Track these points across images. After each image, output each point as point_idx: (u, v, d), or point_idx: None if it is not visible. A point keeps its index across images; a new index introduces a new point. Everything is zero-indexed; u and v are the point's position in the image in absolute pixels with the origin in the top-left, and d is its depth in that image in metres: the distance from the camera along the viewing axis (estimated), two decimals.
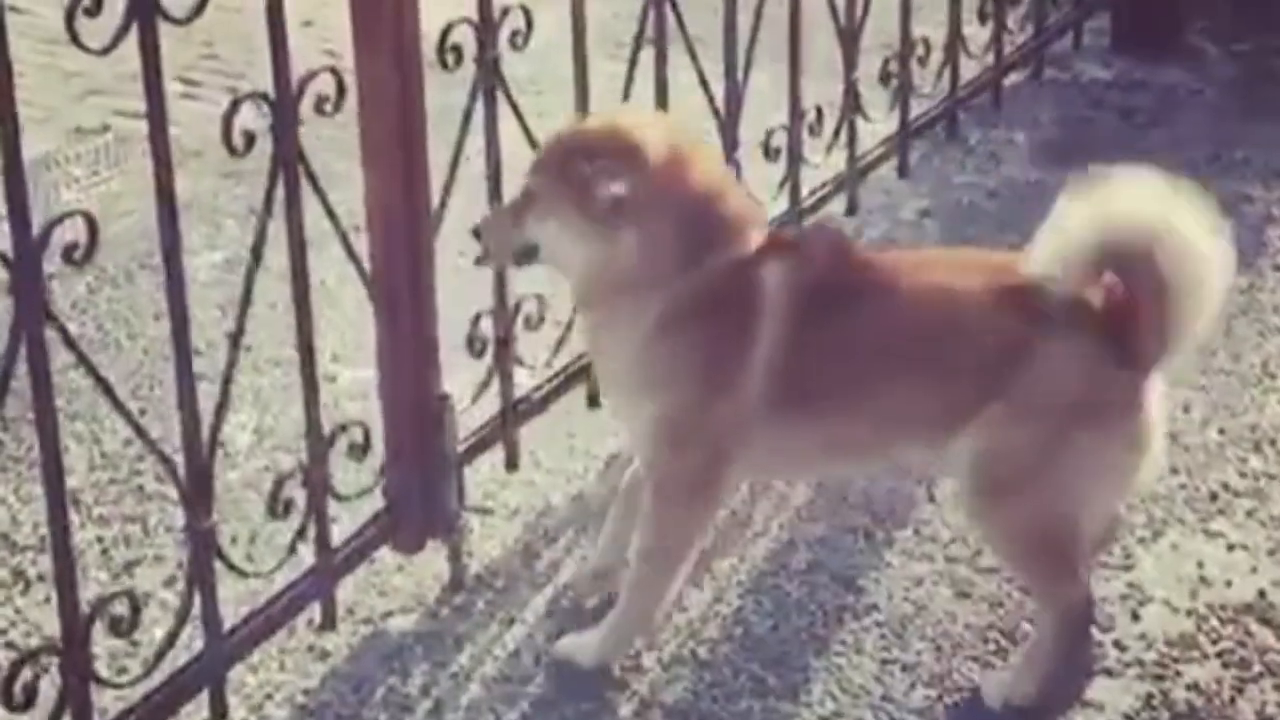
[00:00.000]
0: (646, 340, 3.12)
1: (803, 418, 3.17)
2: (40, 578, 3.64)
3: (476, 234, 3.32)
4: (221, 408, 3.13)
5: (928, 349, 3.11)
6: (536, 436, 3.97)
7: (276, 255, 3.18)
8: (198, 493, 3.09)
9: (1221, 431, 4.05)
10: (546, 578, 3.67)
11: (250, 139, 3.04)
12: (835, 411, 3.18)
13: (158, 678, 3.12)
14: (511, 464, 3.83)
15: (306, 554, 3.37)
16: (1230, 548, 3.68)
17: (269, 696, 3.39)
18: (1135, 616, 3.49)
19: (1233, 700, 3.29)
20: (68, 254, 2.77)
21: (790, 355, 3.09)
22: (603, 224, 3.08)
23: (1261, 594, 3.54)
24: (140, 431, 3.03)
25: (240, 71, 5.81)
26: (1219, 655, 3.39)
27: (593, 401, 3.99)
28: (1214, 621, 3.47)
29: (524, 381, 3.82)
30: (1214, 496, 3.83)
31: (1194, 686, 3.32)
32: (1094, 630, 3.43)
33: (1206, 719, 3.25)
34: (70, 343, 2.82)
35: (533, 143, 3.55)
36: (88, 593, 3.60)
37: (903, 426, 3.20)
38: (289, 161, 3.10)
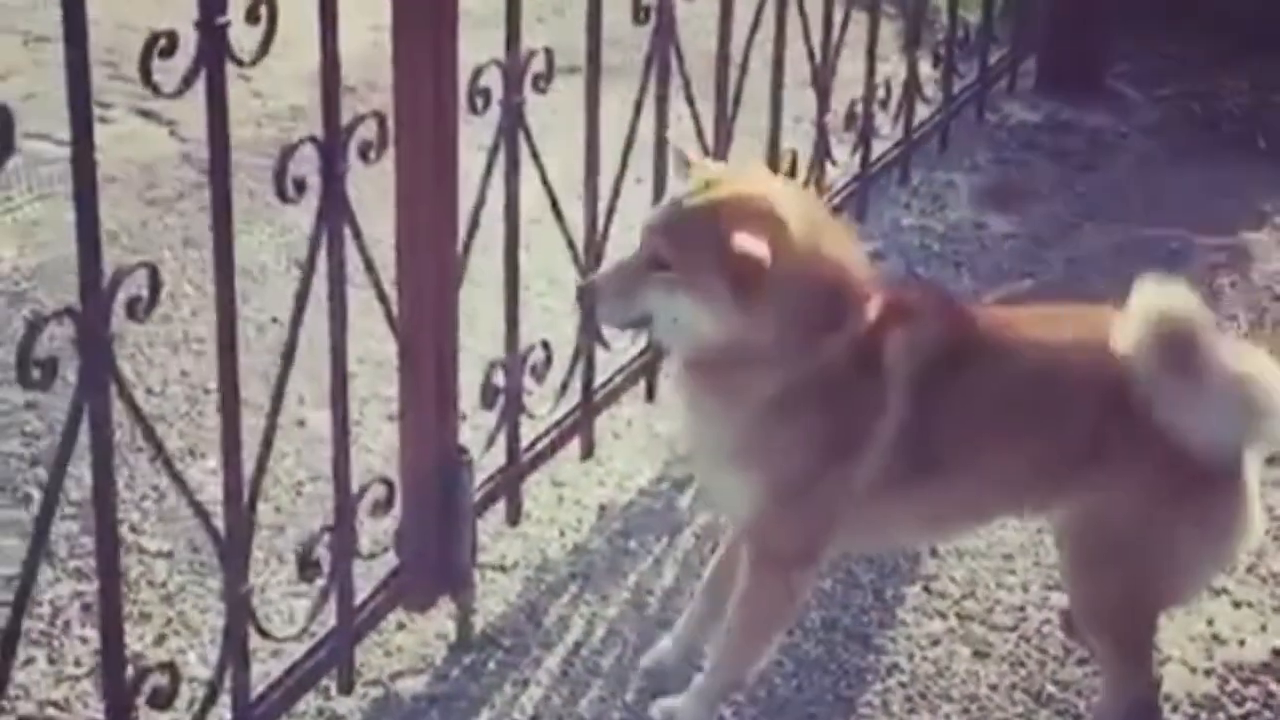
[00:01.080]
0: (767, 411, 3.00)
1: (919, 483, 3.09)
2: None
3: (585, 294, 3.17)
4: (261, 467, 2.97)
5: (1042, 408, 3.06)
6: (526, 488, 3.86)
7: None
8: (236, 553, 2.94)
9: None
10: (556, 636, 3.57)
11: (300, 185, 2.90)
12: (953, 475, 3.10)
13: None
14: (514, 519, 3.72)
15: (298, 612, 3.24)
16: (1236, 605, 3.69)
17: None
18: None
19: None
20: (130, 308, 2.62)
21: (910, 422, 3.01)
22: (744, 299, 2.87)
23: (1276, 653, 3.55)
24: (187, 492, 2.87)
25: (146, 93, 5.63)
26: (1244, 718, 3.39)
27: (587, 454, 3.90)
28: (1234, 683, 3.48)
29: (525, 432, 3.72)
30: None
31: None
32: None
33: None
34: (123, 389, 2.65)
35: (547, 186, 3.48)
36: (75, 650, 3.46)
37: (1016, 489, 3.16)
38: (336, 208, 2.97)
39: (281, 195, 2.90)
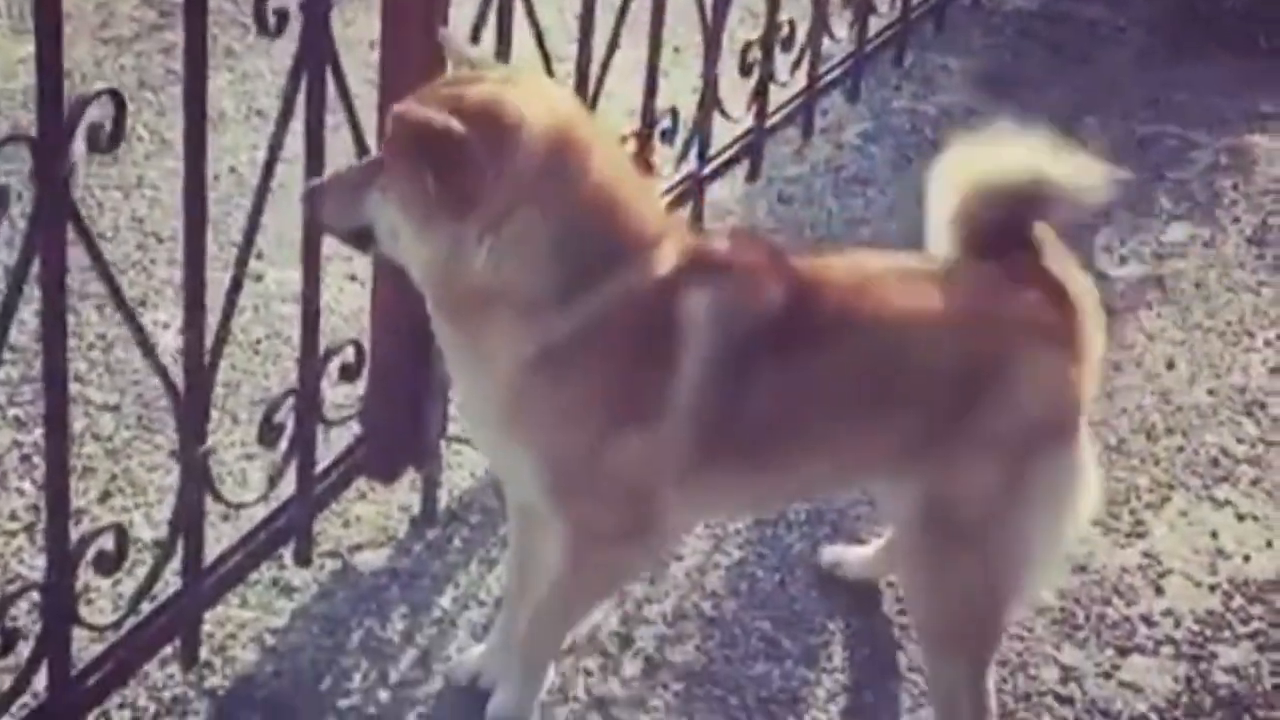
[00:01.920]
0: (531, 371, 2.52)
1: (743, 461, 2.66)
2: None
3: (308, 200, 2.67)
4: (225, 322, 2.73)
5: (877, 382, 2.64)
6: None
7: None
8: (194, 415, 2.70)
9: (1211, 393, 3.89)
10: None
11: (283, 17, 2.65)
12: (784, 456, 2.68)
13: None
14: None
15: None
16: (1240, 518, 3.52)
17: (232, 636, 3.04)
18: (1159, 590, 3.31)
19: (1275, 688, 3.12)
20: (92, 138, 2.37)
21: (727, 397, 2.56)
22: (451, 202, 2.40)
23: None
24: (147, 346, 2.63)
25: None
26: (1251, 637, 3.23)
27: None
28: (1239, 599, 3.31)
29: None
30: (1215, 462, 3.66)
31: (1233, 670, 3.15)
32: (1119, 603, 3.26)
33: (1252, 707, 3.08)
34: (81, 225, 2.41)
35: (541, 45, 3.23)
36: (11, 503, 3.24)
37: (857, 467, 2.78)
38: (318, 42, 2.72)
39: (262, 25, 2.64)
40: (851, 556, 3.25)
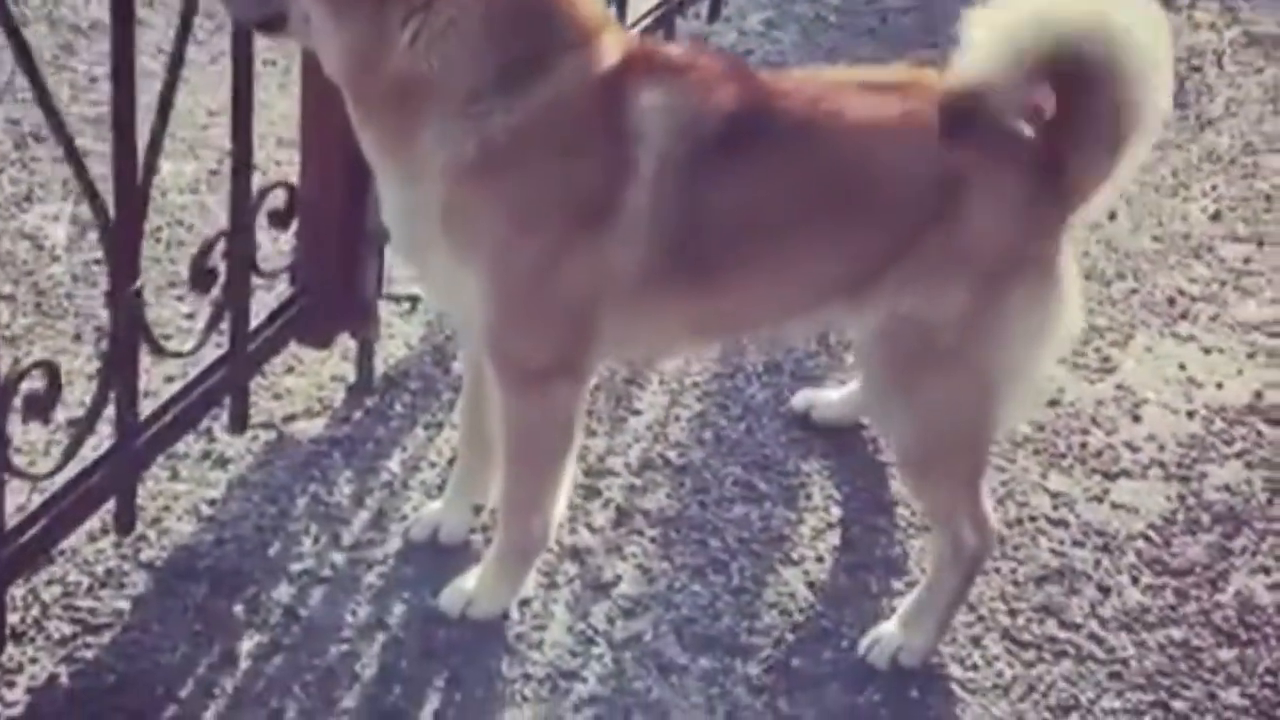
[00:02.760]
0: (467, 177, 2.30)
1: (692, 282, 2.44)
2: None
3: None
4: (155, 145, 2.48)
5: (841, 194, 2.44)
6: None
7: None
8: (125, 252, 2.45)
9: (1157, 239, 3.77)
10: None
11: None
12: (733, 275, 2.46)
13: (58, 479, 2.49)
14: None
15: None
16: (1206, 351, 3.39)
17: (166, 509, 2.80)
18: (1136, 419, 3.17)
19: (1270, 502, 2.99)
20: None
21: (675, 205, 2.35)
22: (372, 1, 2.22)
23: (1259, 395, 3.26)
24: (82, 170, 2.38)
25: None
26: (1238, 455, 3.10)
27: None
28: (1219, 423, 3.18)
29: None
30: (1171, 301, 3.54)
31: (1224, 488, 3.01)
32: (1098, 432, 3.11)
33: (1250, 520, 2.95)
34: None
35: None
36: None
37: (813, 292, 2.53)
38: None
39: None
40: (823, 399, 3.07)
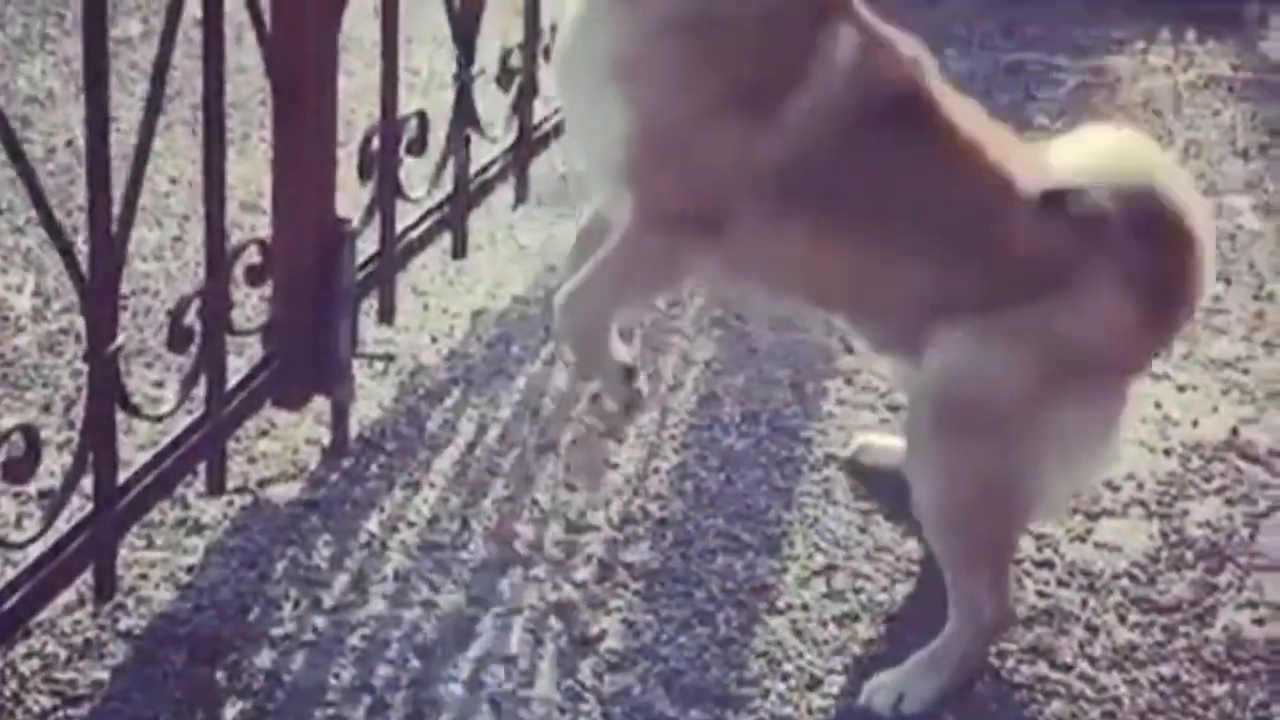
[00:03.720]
0: (673, 27, 2.46)
1: (806, 220, 2.53)
2: None
3: None
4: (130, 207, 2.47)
5: (958, 216, 2.54)
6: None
7: None
8: (103, 311, 2.43)
9: None
10: (444, 438, 3.13)
11: None
12: (840, 236, 2.55)
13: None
14: (386, 316, 3.24)
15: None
16: (1181, 389, 3.40)
17: (143, 577, 2.76)
18: (1114, 458, 3.16)
19: (1252, 537, 2.99)
20: None
21: (821, 139, 2.47)
22: None
23: (1235, 432, 3.26)
24: (58, 232, 2.36)
25: None
26: (1218, 492, 3.09)
27: (457, 254, 3.46)
28: (1197, 460, 3.18)
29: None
30: None
31: (1206, 524, 3.01)
32: None
33: (1233, 556, 2.94)
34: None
35: None
36: None
37: (901, 294, 2.58)
38: None
39: None
40: (878, 445, 3.06)
